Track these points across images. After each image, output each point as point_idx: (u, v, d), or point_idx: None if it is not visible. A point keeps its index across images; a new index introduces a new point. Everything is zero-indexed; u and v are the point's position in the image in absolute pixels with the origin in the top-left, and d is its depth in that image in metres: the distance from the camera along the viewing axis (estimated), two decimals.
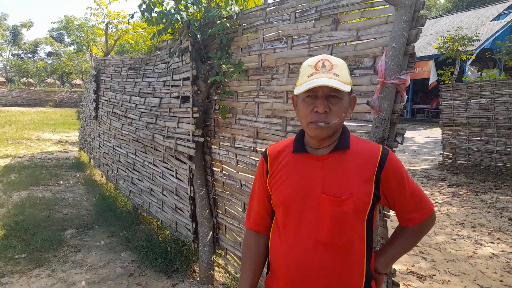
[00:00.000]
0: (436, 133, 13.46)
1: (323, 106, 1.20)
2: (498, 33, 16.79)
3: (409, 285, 3.55)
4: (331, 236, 1.23)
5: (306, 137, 1.34)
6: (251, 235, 1.49)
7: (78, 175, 8.06)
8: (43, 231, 4.58)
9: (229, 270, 3.51)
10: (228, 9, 3.12)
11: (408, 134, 14.76)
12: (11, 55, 46.33)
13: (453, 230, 5.07)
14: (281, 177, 1.35)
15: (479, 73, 15.64)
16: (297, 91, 1.23)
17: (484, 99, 8.41)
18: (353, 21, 2.23)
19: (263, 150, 2.76)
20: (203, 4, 3.29)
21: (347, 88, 1.20)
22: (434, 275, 3.76)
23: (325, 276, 1.24)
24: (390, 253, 1.43)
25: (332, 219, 1.23)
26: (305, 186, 1.27)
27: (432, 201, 6.41)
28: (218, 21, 3.07)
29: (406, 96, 1.87)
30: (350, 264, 1.25)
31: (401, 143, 1.84)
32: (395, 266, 3.87)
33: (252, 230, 1.49)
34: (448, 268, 3.91)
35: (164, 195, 4.27)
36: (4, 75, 43.56)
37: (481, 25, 18.39)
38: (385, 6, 2.00)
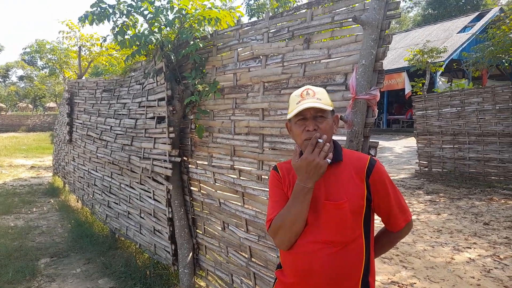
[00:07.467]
0: (412, 142, 13.72)
1: (312, 125, 1.43)
2: (464, 45, 17.49)
3: None
4: (332, 234, 1.42)
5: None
6: None
7: (52, 201, 7.79)
8: (15, 262, 4.37)
9: None
10: (201, 29, 3.14)
11: (385, 144, 15.03)
12: None
13: (431, 237, 5.15)
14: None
15: (449, 83, 16.23)
16: (290, 116, 1.48)
17: (455, 108, 8.72)
18: (324, 40, 2.28)
19: (241, 167, 2.80)
20: (177, 25, 3.30)
21: (328, 108, 1.44)
22: (415, 283, 3.79)
23: (328, 269, 1.40)
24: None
25: (334, 220, 1.42)
26: (312, 196, 1.42)
27: (411, 210, 6.51)
28: (192, 42, 3.08)
29: (378, 110, 1.92)
30: (349, 259, 1.42)
31: (374, 156, 1.88)
32: (376, 277, 3.89)
33: None
34: (428, 276, 3.96)
35: (142, 218, 4.18)
36: None
37: (448, 38, 19.17)
38: (353, 26, 2.06)
